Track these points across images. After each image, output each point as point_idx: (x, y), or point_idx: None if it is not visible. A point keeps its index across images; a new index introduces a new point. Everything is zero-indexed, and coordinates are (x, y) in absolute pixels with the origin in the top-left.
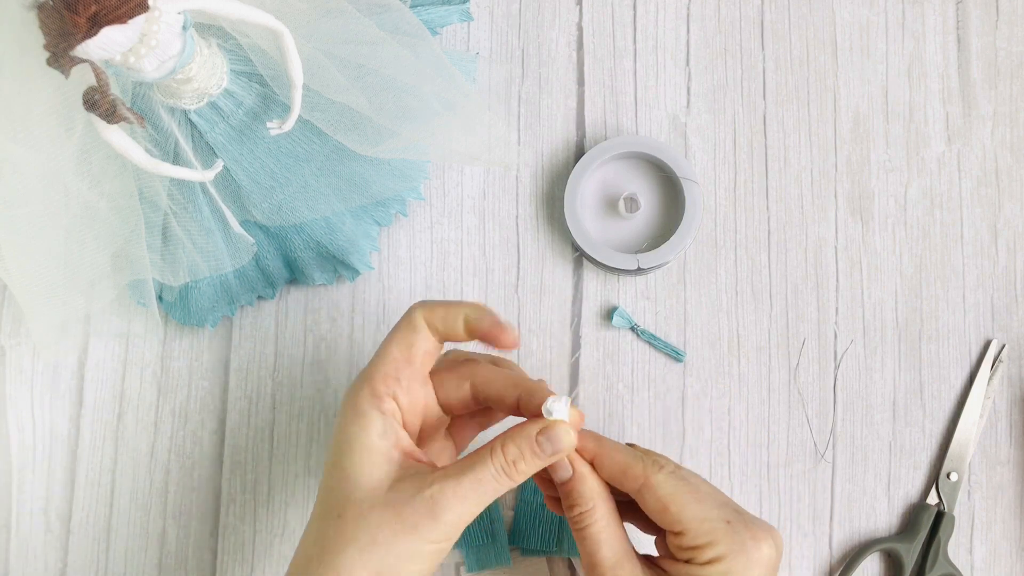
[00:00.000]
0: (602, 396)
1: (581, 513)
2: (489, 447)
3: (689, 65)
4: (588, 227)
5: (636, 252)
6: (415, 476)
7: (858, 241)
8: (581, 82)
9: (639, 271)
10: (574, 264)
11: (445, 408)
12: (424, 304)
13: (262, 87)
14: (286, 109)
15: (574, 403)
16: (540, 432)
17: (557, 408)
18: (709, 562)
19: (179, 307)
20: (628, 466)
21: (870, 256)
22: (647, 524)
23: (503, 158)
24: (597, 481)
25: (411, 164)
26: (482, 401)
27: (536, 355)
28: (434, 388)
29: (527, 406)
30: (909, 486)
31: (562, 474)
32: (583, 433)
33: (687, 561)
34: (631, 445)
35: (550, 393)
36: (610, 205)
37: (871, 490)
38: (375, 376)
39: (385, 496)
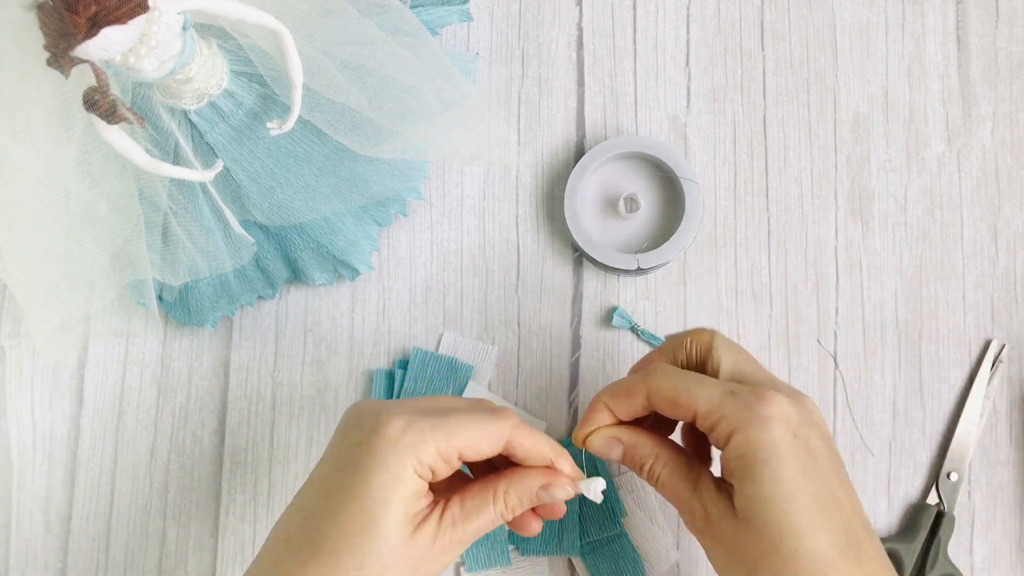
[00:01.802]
0: None
1: (649, 468)
2: (492, 492)
3: (689, 65)
4: (588, 227)
5: (636, 252)
6: (427, 522)
7: (858, 241)
8: (581, 82)
9: (639, 271)
10: (574, 264)
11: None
12: (521, 432)
13: (262, 87)
14: (286, 109)
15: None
16: (543, 487)
17: (595, 489)
18: (727, 440)
19: (179, 307)
20: (630, 385)
21: (870, 256)
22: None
23: (503, 158)
24: (647, 436)
25: (411, 164)
26: (509, 458)
27: (536, 355)
28: (469, 455)
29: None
30: (909, 486)
31: (615, 455)
32: (593, 405)
33: (720, 450)
34: (669, 337)
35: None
36: (610, 205)
37: (871, 490)
38: (429, 442)
39: (406, 549)
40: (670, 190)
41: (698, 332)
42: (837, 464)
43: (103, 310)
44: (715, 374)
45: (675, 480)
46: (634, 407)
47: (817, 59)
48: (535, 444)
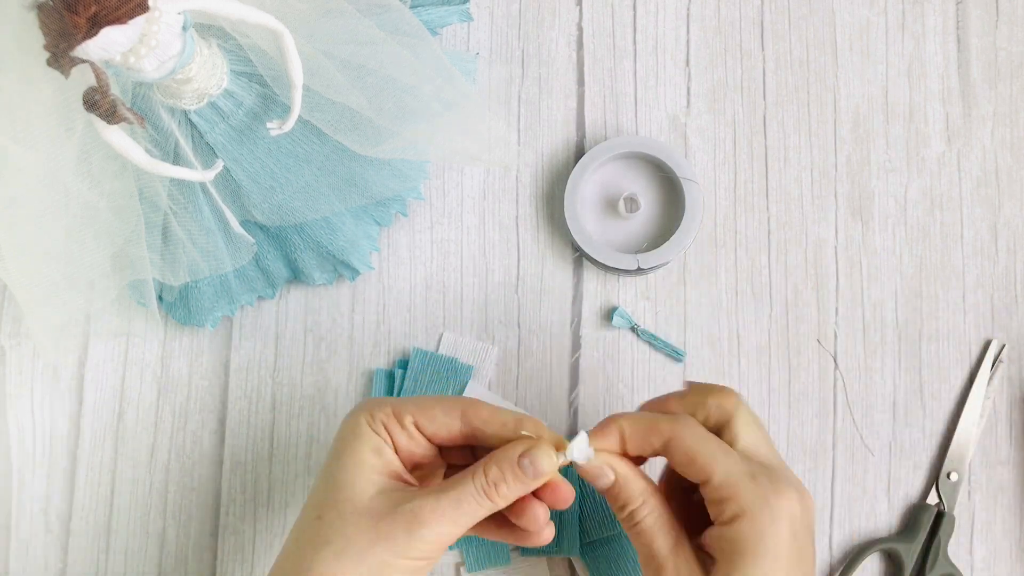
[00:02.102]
0: (602, 396)
1: (632, 511)
2: (472, 468)
3: (689, 65)
4: (588, 227)
5: (636, 252)
6: (398, 491)
7: (858, 241)
8: (581, 82)
9: (639, 271)
10: (574, 264)
11: (433, 440)
12: (475, 406)
13: (262, 87)
14: (286, 109)
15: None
16: (522, 455)
17: (579, 448)
18: (732, 519)
19: (179, 307)
20: (653, 424)
21: (870, 256)
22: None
23: (503, 158)
24: (641, 477)
25: (411, 164)
26: (473, 438)
27: (536, 355)
28: (424, 422)
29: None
30: (909, 486)
31: (604, 482)
32: (607, 424)
33: (714, 522)
34: (690, 383)
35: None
36: (610, 205)
37: (871, 490)
38: (380, 406)
39: (366, 504)
40: (670, 190)
41: (722, 394)
42: (811, 566)
43: (103, 310)
44: (730, 444)
45: (656, 533)
46: (647, 446)
47: (817, 59)
48: (492, 412)
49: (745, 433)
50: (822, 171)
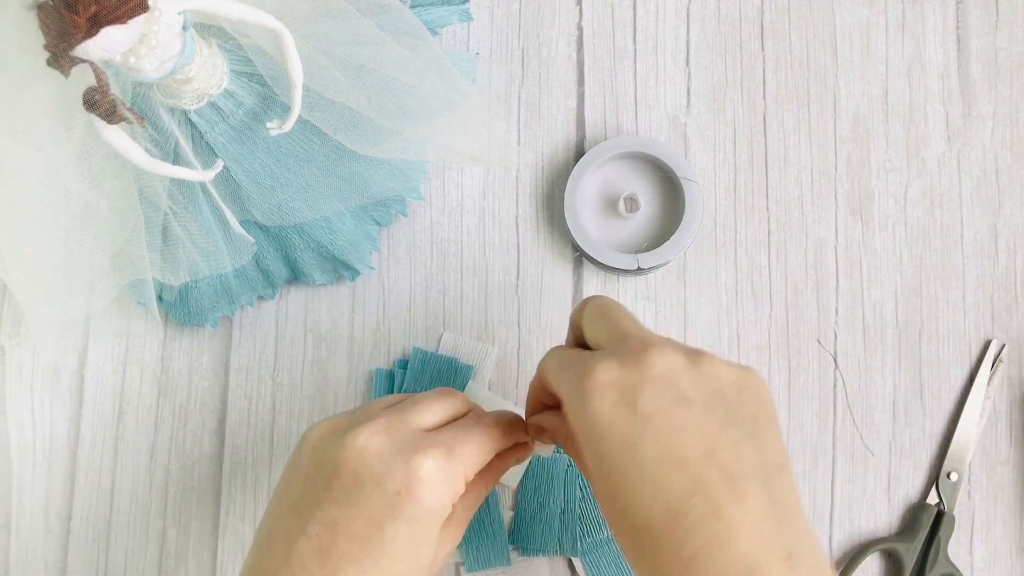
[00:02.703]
0: None
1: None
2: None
3: (689, 65)
4: (588, 227)
5: (636, 252)
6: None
7: (858, 241)
8: (581, 82)
9: (639, 271)
10: (574, 264)
11: None
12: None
13: (262, 87)
14: (286, 109)
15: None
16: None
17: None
18: (564, 413)
19: (179, 307)
20: (537, 375)
21: (870, 256)
22: None
23: (503, 158)
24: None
25: (411, 164)
26: None
27: (536, 355)
28: (472, 472)
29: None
30: (909, 486)
31: (546, 441)
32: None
33: None
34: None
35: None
36: (610, 205)
37: (871, 490)
38: (457, 475)
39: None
40: (670, 190)
41: (577, 307)
42: (687, 417)
43: (103, 310)
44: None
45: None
46: (543, 394)
47: (817, 59)
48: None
49: (587, 329)
50: (822, 171)
